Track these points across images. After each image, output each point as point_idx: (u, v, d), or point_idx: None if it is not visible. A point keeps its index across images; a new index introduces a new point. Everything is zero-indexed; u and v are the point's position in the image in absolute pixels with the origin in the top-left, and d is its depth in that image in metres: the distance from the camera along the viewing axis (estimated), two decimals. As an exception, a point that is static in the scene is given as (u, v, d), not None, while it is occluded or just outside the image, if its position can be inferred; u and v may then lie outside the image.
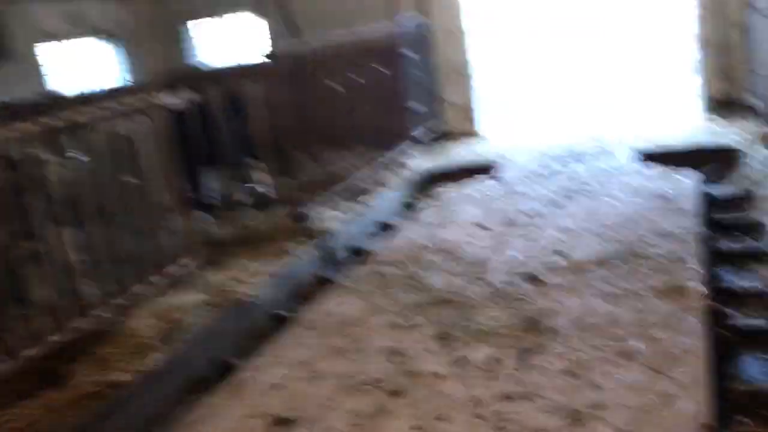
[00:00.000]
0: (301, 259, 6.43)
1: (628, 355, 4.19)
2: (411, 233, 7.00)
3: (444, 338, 4.73)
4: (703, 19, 9.44)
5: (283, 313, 5.65)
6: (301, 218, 7.10)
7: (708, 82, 9.66)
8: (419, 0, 10.81)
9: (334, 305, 5.56)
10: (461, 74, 11.00)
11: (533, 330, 4.65)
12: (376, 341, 4.85)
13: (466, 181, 8.67)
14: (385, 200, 8.30)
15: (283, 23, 11.05)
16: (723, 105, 9.48)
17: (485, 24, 11.51)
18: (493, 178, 8.57)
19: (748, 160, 7.62)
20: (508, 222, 6.83)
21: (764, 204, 6.57)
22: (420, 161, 9.76)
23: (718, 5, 9.26)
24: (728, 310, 4.79)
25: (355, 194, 8.09)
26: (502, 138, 11.13)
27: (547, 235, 6.31)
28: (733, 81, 9.42)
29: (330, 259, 6.70)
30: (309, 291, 6.09)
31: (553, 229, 6.40)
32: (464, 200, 7.84)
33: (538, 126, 11.84)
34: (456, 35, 10.85)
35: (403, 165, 9.51)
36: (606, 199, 7.09)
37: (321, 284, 6.16)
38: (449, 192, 8.26)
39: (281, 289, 5.97)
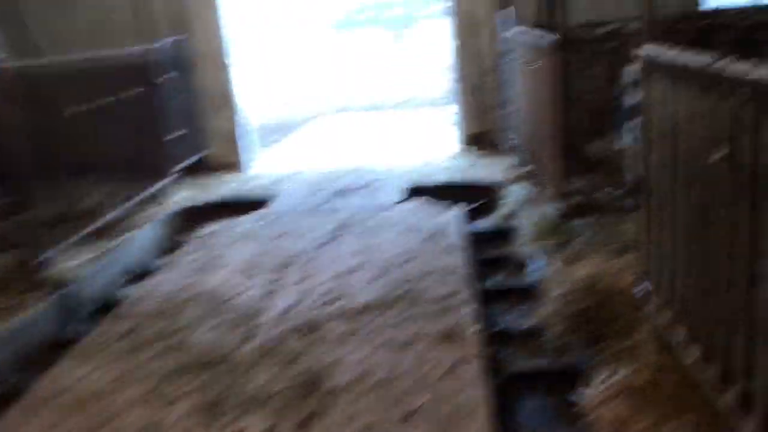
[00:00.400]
0: (33, 316, 5.37)
1: (414, 414, 3.86)
2: (170, 281, 6.19)
3: (211, 410, 4.06)
4: (460, 58, 9.73)
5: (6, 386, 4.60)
6: (34, 265, 5.99)
7: (466, 119, 9.97)
8: (179, 22, 10.01)
9: (75, 374, 4.61)
10: (227, 101, 10.34)
11: (313, 392, 4.15)
12: (128, 419, 4.05)
13: (234, 218, 8.02)
14: (141, 242, 7.39)
15: (17, 39, 9.62)
16: (482, 141, 9.84)
17: (252, 48, 11.01)
18: (263, 214, 8.01)
19: (507, 196, 7.86)
20: (281, 265, 6.31)
21: (522, 238, 6.75)
22: (182, 196, 8.94)
23: (472, 47, 9.60)
24: (507, 353, 4.68)
25: (105, 235, 7.09)
26: (273, 169, 10.67)
27: (321, 278, 5.88)
28: (489, 119, 9.82)
29: (71, 316, 5.69)
30: (43, 356, 5.06)
31: (328, 272, 5.99)
32: (232, 241, 7.18)
33: (310, 157, 11.57)
34: (220, 60, 10.18)
35: (162, 201, 8.62)
36: (379, 237, 6.86)
37: (58, 347, 5.15)
38: (215, 231, 7.54)
39: (4, 356, 4.89)
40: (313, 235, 7.11)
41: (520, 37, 7.47)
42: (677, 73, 3.48)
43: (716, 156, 2.99)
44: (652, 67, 3.65)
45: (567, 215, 5.53)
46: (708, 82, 3.10)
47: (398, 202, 8.01)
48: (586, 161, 5.39)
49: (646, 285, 4.25)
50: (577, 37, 5.27)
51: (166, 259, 7.02)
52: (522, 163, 8.44)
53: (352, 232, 7.12)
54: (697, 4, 9.06)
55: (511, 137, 8.84)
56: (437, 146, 11.34)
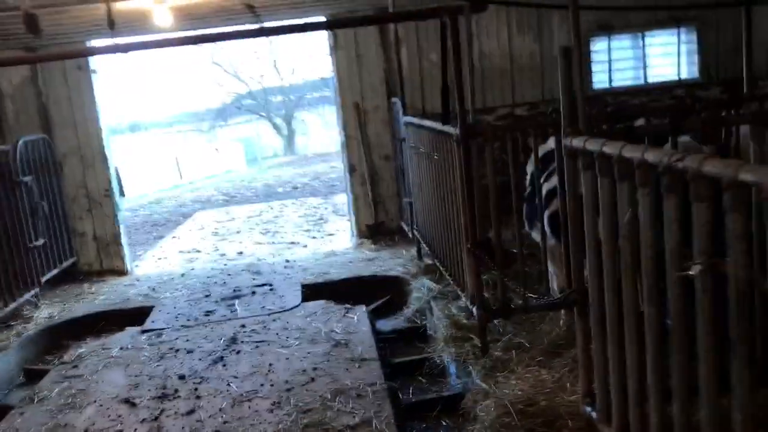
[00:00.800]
0: None
1: None
2: (30, 420, 5.10)
3: None
4: (350, 148, 9.28)
5: None
6: None
7: (360, 210, 9.44)
8: (43, 119, 9.04)
9: None
10: (104, 200, 9.33)
11: None
12: None
13: (109, 335, 6.99)
14: (-4, 373, 6.22)
15: None
16: (378, 233, 9.32)
17: (128, 144, 10.14)
18: (144, 329, 7.02)
19: (412, 290, 7.30)
20: (164, 392, 5.36)
21: (437, 341, 6.16)
22: (48, 311, 7.79)
23: (363, 137, 9.19)
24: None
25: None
26: (156, 270, 9.67)
27: (212, 407, 4.99)
28: (385, 210, 9.35)
29: None
30: None
31: (221, 400, 5.11)
32: (106, 364, 6.14)
33: (197, 254, 10.66)
34: (96, 156, 9.22)
35: (24, 317, 7.46)
36: (278, 349, 6.06)
37: None
38: (85, 354, 6.47)
39: None
40: (202, 351, 6.21)
41: (415, 127, 7.09)
42: (606, 164, 3.07)
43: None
44: (582, 156, 3.22)
45: (484, 315, 5.00)
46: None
47: (297, 305, 7.25)
48: (497, 253, 4.91)
49: (592, 409, 3.69)
50: (481, 126, 4.88)
51: (26, 391, 5.88)
52: (424, 256, 7.96)
53: (247, 344, 6.28)
54: (590, 86, 9.12)
55: (409, 228, 8.37)
56: (332, 238, 10.78)
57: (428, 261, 7.70)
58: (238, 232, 12.27)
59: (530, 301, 4.96)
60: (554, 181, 5.17)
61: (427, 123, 6.30)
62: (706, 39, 9.11)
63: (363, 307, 6.98)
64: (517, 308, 5.09)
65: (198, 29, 8.42)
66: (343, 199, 14.75)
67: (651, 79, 9.29)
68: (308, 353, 5.90)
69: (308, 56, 36.51)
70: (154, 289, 8.46)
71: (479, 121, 6.33)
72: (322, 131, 39.05)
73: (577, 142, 3.20)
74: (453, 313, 6.15)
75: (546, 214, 5.12)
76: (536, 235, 5.74)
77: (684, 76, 9.25)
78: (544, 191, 5.14)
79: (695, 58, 9.23)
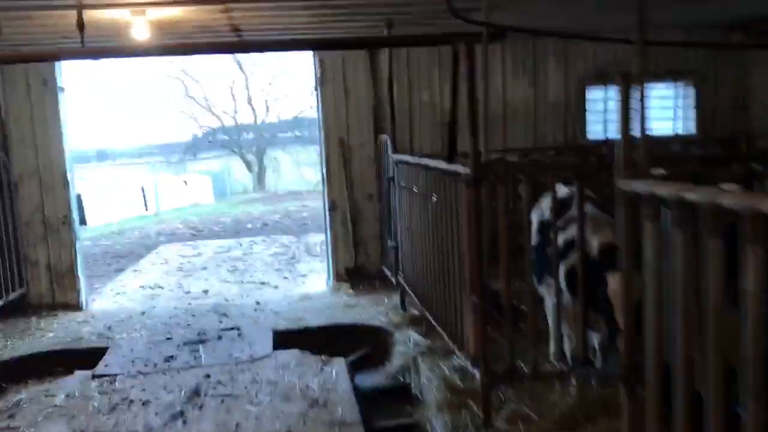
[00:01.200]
0: None
1: None
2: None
3: None
4: (331, 184, 8.63)
5: None
6: None
7: (339, 252, 8.74)
8: (1, 136, 8.22)
9: None
10: (57, 229, 8.46)
11: None
12: None
13: (56, 380, 6.12)
14: None
15: None
16: (357, 276, 8.61)
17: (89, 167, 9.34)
18: (94, 373, 6.17)
19: (396, 343, 6.59)
20: (112, 454, 4.54)
21: (425, 401, 5.45)
22: (-12, 348, 6.89)
23: (346, 175, 8.55)
24: None
25: None
26: (114, 306, 8.79)
27: (170, 477, 4.19)
28: (366, 253, 8.67)
29: None
30: None
31: (180, 467, 4.31)
32: (47, 414, 5.28)
33: (160, 290, 9.80)
34: (51, 180, 8.39)
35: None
36: (247, 407, 5.27)
37: None
38: (24, 401, 5.58)
39: None
40: (160, 403, 5.40)
41: (408, 165, 6.48)
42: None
43: None
44: (647, 204, 2.60)
45: (488, 380, 4.33)
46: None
47: (268, 354, 6.47)
48: (506, 309, 4.27)
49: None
50: (496, 165, 4.29)
51: (-50, 445, 5.00)
52: (409, 305, 7.27)
53: (211, 397, 5.48)
54: (584, 136, 8.66)
55: (393, 274, 7.69)
56: (305, 280, 10.02)
57: (414, 311, 7.02)
58: (204, 269, 11.43)
59: (542, 366, 4.31)
60: (572, 231, 4.58)
61: (426, 161, 5.68)
62: (704, 95, 8.76)
63: (342, 361, 6.24)
64: (525, 374, 4.43)
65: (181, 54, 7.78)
66: (316, 239, 14.03)
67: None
68: (281, 413, 5.13)
69: (284, 95, 36.03)
70: (110, 328, 7.59)
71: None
72: (293, 169, 38.41)
73: (642, 187, 2.59)
74: (445, 374, 5.45)
75: (562, 268, 4.50)
76: (543, 291, 5.12)
77: (680, 131, 8.85)
78: (560, 242, 4.53)
79: (691, 113, 8.86)
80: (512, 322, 4.38)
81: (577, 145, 8.62)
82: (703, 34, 8.54)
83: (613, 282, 4.14)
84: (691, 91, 8.81)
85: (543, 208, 5.22)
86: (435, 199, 5.41)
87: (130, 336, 7.27)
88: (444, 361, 5.72)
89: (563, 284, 4.47)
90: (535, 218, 5.35)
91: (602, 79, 8.67)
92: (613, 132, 8.79)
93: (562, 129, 8.68)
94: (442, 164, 5.05)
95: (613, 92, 8.76)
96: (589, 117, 8.74)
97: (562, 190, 5.22)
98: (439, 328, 5.75)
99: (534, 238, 5.25)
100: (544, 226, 5.07)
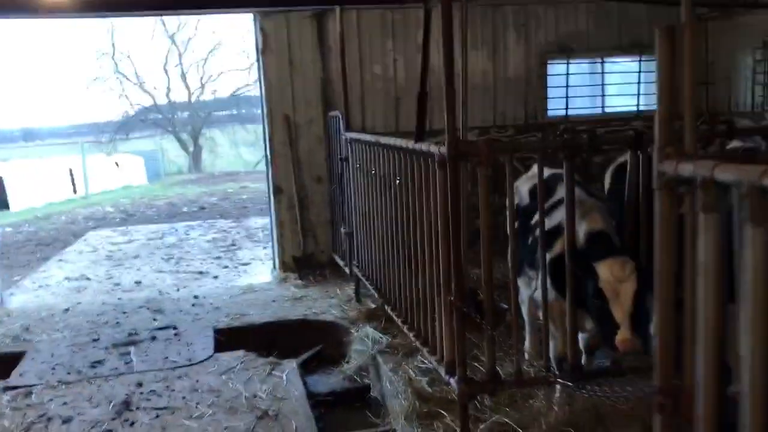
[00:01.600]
0: None
1: None
2: None
3: None
4: (276, 165, 7.88)
5: None
6: None
7: (285, 239, 8.02)
8: None
9: None
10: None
11: None
12: None
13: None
14: None
15: None
16: (305, 266, 7.92)
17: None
18: (6, 384, 5.34)
19: (353, 340, 5.96)
20: (23, 490, 3.79)
21: (389, 408, 4.87)
22: None
23: (292, 155, 7.82)
24: None
25: None
26: (34, 302, 7.88)
27: None
28: (316, 240, 7.98)
29: None
30: None
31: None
32: (-54, 439, 4.47)
33: (86, 282, 8.91)
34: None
35: None
36: (184, 420, 4.57)
37: None
38: None
39: None
40: (84, 420, 4.65)
41: (365, 144, 5.82)
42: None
43: None
44: (702, 191, 2.02)
45: (467, 390, 3.76)
46: None
47: (209, 357, 5.75)
48: (487, 308, 3.70)
49: None
50: (476, 145, 3.68)
51: None
52: (364, 297, 6.65)
53: (144, 411, 4.76)
54: (544, 113, 8.16)
55: (346, 263, 7.05)
56: (247, 269, 9.28)
57: (370, 304, 6.40)
58: (136, 257, 10.53)
59: (527, 373, 3.76)
60: (558, 216, 4.02)
61: (387, 140, 5.03)
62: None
63: (293, 363, 5.60)
64: (508, 381, 3.87)
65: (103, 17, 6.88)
66: (256, 223, 13.26)
67: (607, 109, 8.45)
68: (225, 429, 4.45)
69: (220, 72, 34.65)
70: (27, 329, 6.72)
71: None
72: (231, 150, 37.13)
73: (695, 170, 2.02)
74: (411, 376, 4.86)
75: (547, 258, 3.95)
76: (521, 283, 4.57)
77: (642, 108, 8.45)
78: (541, 229, 3.96)
79: (652, 88, 8.44)
80: (494, 322, 3.80)
81: (538, 123, 8.13)
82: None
83: (606, 271, 3.63)
84: (653, 66, 8.38)
85: (521, 193, 4.66)
86: (399, 182, 4.78)
87: (51, 338, 6.43)
88: (407, 362, 5.15)
89: (548, 278, 3.92)
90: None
91: (565, 52, 8.16)
92: (575, 109, 8.32)
93: (523, 105, 8.15)
94: (405, 143, 4.41)
95: (576, 67, 8.27)
96: (550, 93, 8.23)
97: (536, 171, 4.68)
98: (401, 325, 5.15)
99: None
100: (524, 213, 4.51)
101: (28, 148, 37.51)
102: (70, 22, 31.02)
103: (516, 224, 4.62)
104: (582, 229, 3.90)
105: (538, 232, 4.18)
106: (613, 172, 4.95)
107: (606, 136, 5.76)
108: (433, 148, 3.88)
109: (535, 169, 4.73)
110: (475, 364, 4.50)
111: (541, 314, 4.12)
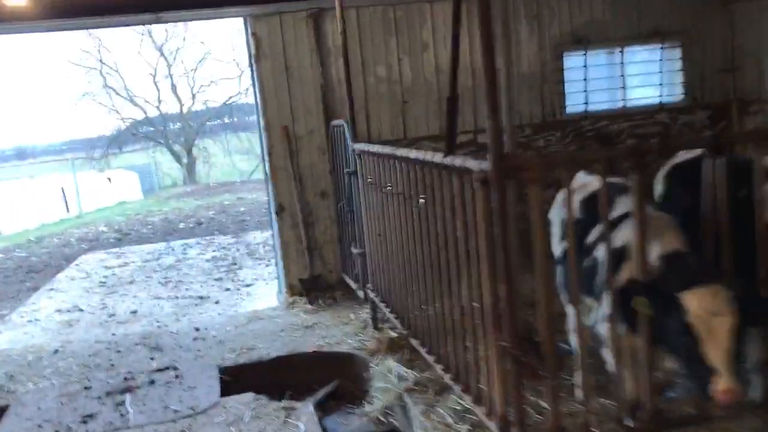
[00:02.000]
0: None
1: None
2: None
3: None
4: (277, 182, 7.19)
5: None
6: None
7: (291, 261, 7.31)
8: None
9: None
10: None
11: None
12: None
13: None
14: None
15: None
16: (314, 289, 7.20)
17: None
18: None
19: (374, 375, 5.28)
20: None
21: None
22: None
23: (293, 168, 7.12)
24: None
25: None
26: (21, 340, 7.21)
27: None
28: (324, 259, 7.28)
29: None
30: None
31: None
32: None
33: (78, 315, 8.24)
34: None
35: None
36: (191, 493, 3.89)
37: None
38: None
39: None
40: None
41: (377, 157, 5.13)
42: None
43: None
44: None
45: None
46: None
47: (215, 403, 5.06)
48: (548, 353, 3.04)
49: None
50: (525, 159, 3.00)
51: None
52: (381, 322, 5.96)
53: (143, 479, 4.07)
54: (563, 110, 7.49)
55: (359, 286, 6.37)
56: (250, 290, 8.60)
57: (390, 332, 5.70)
58: (131, 283, 9.84)
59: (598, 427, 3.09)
60: (626, 235, 3.34)
61: (406, 152, 4.34)
62: (691, 57, 7.69)
63: (309, 406, 4.92)
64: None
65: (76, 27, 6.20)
66: (256, 238, 12.57)
67: (628, 103, 7.78)
68: (240, 499, 3.77)
69: (210, 81, 33.86)
70: (12, 377, 6.01)
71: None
72: (225, 159, 36.33)
73: None
74: (447, 421, 4.19)
75: (613, 285, 3.27)
76: (571, 312, 3.90)
77: (665, 99, 7.77)
78: (605, 250, 3.28)
79: (675, 77, 7.77)
80: (555, 368, 3.13)
81: (557, 121, 7.46)
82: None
83: (696, 304, 2.95)
84: (676, 54, 7.72)
85: (571, 205, 3.98)
86: (422, 200, 4.10)
87: (38, 387, 5.72)
88: (439, 401, 4.47)
89: (612, 308, 3.25)
90: (555, 218, 4.12)
91: (581, 43, 7.49)
92: (595, 104, 7.65)
93: (539, 103, 7.47)
94: (435, 156, 3.73)
95: (593, 58, 7.60)
96: (568, 87, 7.55)
97: (586, 181, 4.01)
98: (427, 357, 4.50)
99: (558, 247, 4.02)
100: (567, 227, 3.83)
101: (21, 167, 36.68)
102: (55, 36, 30.17)
103: (560, 241, 3.97)
104: (655, 251, 3.23)
105: (596, 252, 3.52)
106: (669, 174, 4.25)
107: (678, 139, 5.10)
108: (471, 163, 3.21)
109: (581, 177, 4.10)
110: (524, 405, 3.83)
111: (605, 352, 3.47)
